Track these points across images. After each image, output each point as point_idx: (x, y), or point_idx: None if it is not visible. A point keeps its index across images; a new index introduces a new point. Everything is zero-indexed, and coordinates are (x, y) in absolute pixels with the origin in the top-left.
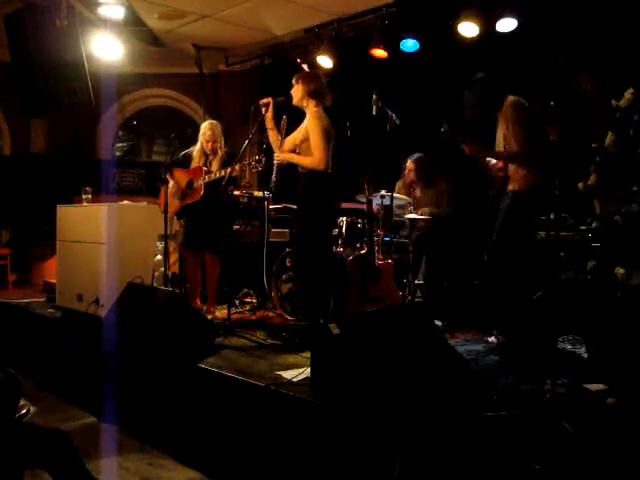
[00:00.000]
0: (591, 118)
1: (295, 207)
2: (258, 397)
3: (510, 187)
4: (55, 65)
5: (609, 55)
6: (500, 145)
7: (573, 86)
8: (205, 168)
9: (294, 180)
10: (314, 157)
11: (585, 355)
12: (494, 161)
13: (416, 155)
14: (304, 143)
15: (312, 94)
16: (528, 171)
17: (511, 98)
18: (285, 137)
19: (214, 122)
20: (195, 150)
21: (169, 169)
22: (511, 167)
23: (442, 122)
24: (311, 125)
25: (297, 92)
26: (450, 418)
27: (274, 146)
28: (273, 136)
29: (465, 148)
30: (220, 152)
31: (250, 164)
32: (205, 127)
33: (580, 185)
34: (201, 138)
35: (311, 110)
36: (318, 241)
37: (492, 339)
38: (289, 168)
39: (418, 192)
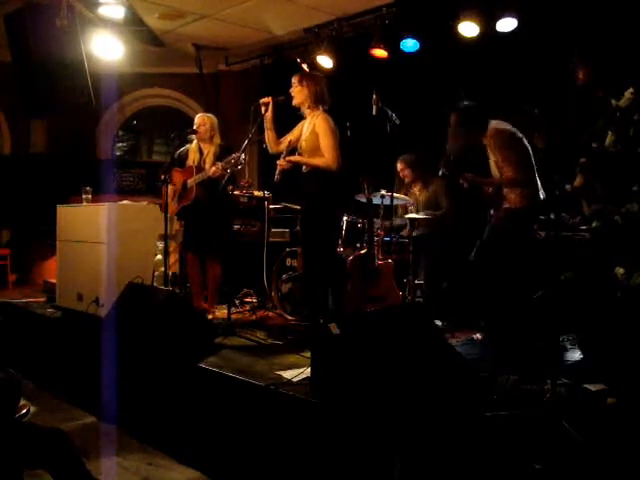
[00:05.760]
0: (589, 116)
1: (299, 207)
2: (258, 397)
3: (505, 205)
4: (55, 65)
5: (609, 55)
6: (495, 171)
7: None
8: (195, 166)
9: (294, 180)
10: (327, 158)
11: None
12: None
13: (406, 155)
14: (311, 144)
15: (316, 96)
16: (522, 190)
17: (492, 126)
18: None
19: (208, 114)
20: (190, 147)
21: (168, 170)
22: (505, 188)
23: (440, 167)
24: (321, 127)
25: (300, 93)
26: (450, 418)
27: (269, 146)
28: (270, 136)
29: (463, 183)
30: (214, 146)
31: (230, 162)
32: (198, 117)
33: (568, 187)
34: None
35: (315, 112)
36: (327, 240)
37: (477, 336)
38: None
39: (416, 191)
